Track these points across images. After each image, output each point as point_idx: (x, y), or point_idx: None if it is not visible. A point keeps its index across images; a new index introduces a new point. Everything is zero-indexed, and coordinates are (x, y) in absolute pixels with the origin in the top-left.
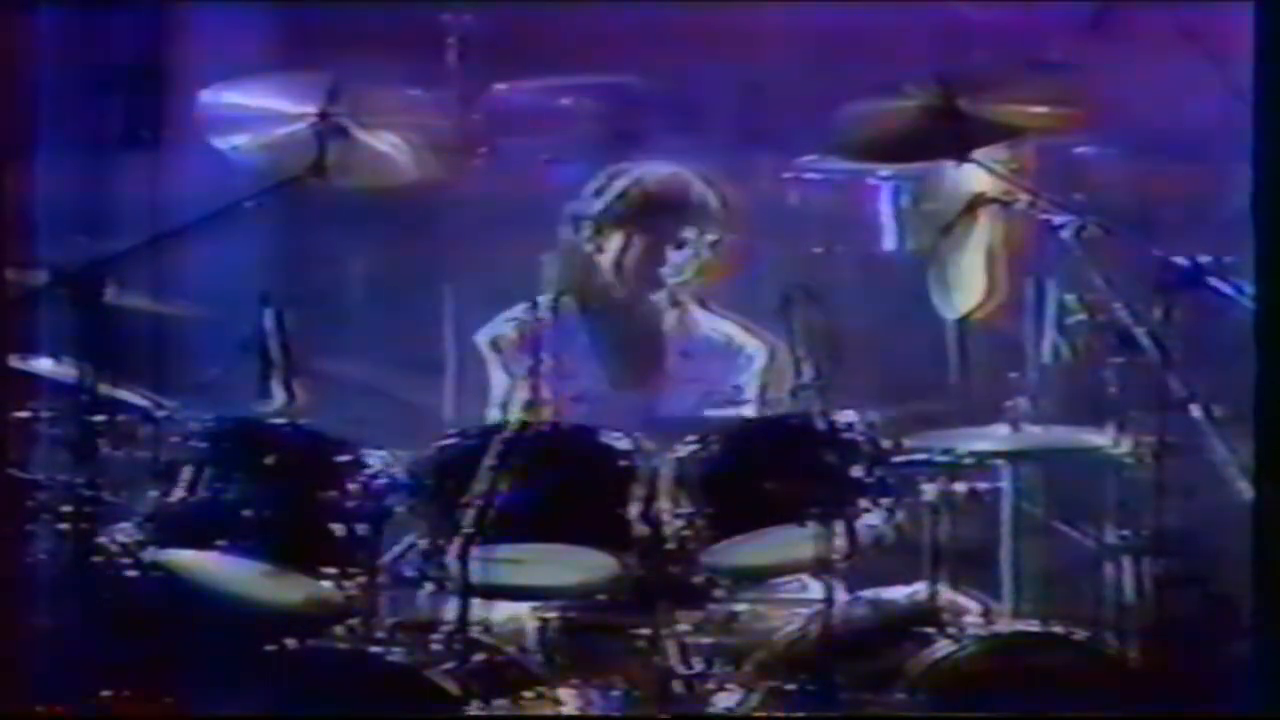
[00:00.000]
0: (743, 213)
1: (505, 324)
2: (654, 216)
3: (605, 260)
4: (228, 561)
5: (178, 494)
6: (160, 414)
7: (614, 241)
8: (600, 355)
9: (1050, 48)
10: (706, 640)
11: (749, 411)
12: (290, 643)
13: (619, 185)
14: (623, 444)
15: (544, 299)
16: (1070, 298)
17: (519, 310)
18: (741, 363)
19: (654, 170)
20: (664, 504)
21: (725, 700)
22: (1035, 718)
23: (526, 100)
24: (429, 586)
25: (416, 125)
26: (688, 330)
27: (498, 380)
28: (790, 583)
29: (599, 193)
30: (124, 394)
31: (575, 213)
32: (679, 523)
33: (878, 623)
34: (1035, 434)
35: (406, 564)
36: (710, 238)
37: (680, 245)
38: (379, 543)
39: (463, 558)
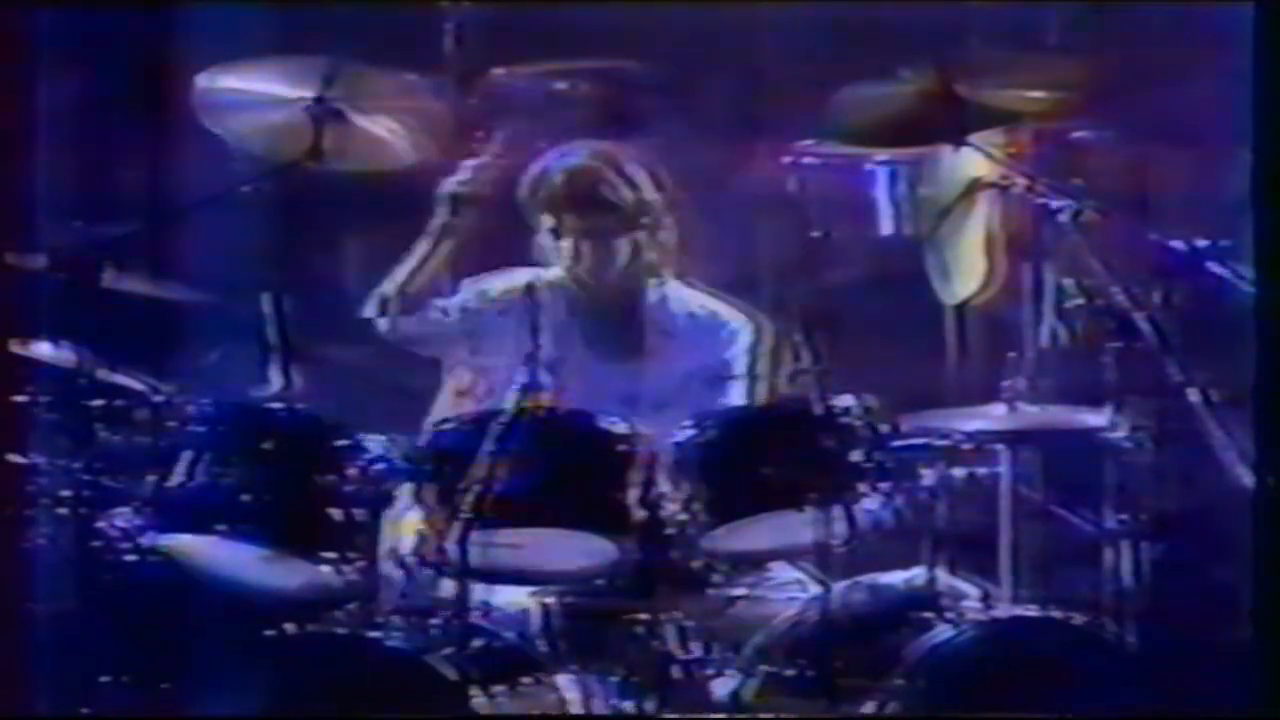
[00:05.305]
0: (679, 188)
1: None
2: (571, 205)
3: (549, 248)
4: (226, 546)
5: (176, 479)
6: (158, 398)
7: (546, 229)
8: (582, 337)
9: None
10: (705, 625)
11: (735, 387)
12: (289, 628)
13: (535, 177)
14: (620, 429)
15: (512, 281)
16: (1068, 282)
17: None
18: (726, 338)
19: (567, 159)
20: (663, 489)
21: (723, 686)
22: (1028, 717)
23: (524, 85)
24: (428, 571)
25: (413, 109)
26: (669, 309)
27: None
28: (789, 568)
29: (526, 184)
30: (122, 378)
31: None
32: (677, 508)
33: (876, 608)
34: (1032, 414)
35: (405, 549)
36: (642, 218)
37: (607, 230)
38: (378, 527)
39: (462, 542)
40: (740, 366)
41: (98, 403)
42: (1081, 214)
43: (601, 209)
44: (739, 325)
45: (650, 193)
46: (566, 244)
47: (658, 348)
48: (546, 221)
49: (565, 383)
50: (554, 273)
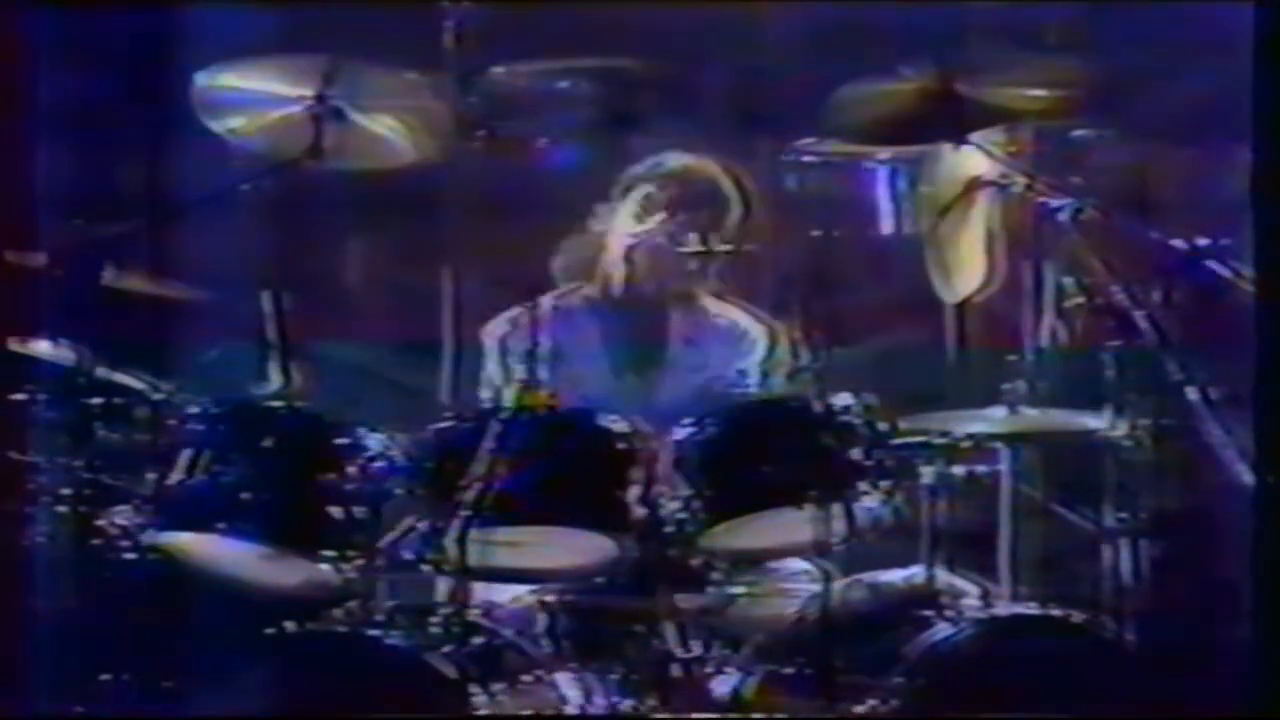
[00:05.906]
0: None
1: (508, 322)
2: (690, 207)
3: (630, 247)
4: (226, 544)
5: (176, 477)
6: (158, 396)
7: (649, 225)
8: (607, 345)
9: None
10: (705, 623)
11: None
12: (289, 626)
13: (657, 174)
14: (621, 427)
15: (552, 293)
16: (1068, 281)
17: (523, 308)
18: (745, 348)
19: (689, 161)
20: (662, 487)
21: (723, 684)
22: (1028, 717)
23: (524, 83)
24: (427, 569)
25: (413, 108)
26: (694, 317)
27: (500, 373)
28: (788, 566)
29: (638, 180)
30: (122, 376)
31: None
32: (677, 505)
33: (876, 606)
34: (1033, 416)
35: (405, 547)
36: (735, 231)
37: (707, 237)
38: (377, 525)
39: (461, 540)
40: (757, 375)
41: (97, 400)
42: (1081, 212)
43: (708, 209)
44: (758, 335)
45: (744, 200)
46: (655, 236)
47: (682, 357)
48: (645, 218)
49: (587, 389)
50: (584, 285)
